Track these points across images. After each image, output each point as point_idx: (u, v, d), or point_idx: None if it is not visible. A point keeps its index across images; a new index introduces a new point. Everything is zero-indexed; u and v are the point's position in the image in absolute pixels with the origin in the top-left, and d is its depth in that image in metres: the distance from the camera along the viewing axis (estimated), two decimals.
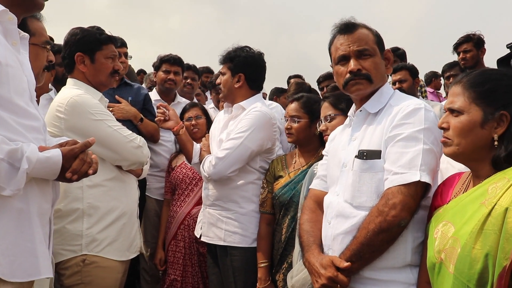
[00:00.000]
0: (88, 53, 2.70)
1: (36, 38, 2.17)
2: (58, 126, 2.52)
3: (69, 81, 2.76)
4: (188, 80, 4.80)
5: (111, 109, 3.46)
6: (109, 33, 2.85)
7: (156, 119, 3.13)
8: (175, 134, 3.11)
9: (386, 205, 1.80)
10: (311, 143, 2.87)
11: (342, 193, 2.00)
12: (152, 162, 3.91)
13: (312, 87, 4.83)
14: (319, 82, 5.16)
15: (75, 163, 1.77)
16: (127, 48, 4.16)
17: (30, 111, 1.75)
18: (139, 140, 2.70)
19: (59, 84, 3.83)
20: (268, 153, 3.00)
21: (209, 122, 3.71)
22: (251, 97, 3.01)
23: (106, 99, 2.84)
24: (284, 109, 3.65)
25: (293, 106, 2.90)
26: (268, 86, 6.64)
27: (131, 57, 4.26)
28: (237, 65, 2.97)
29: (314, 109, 2.83)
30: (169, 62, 4.21)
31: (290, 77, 6.96)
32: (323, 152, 2.37)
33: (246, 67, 2.97)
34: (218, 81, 3.11)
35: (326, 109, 2.65)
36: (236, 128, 2.89)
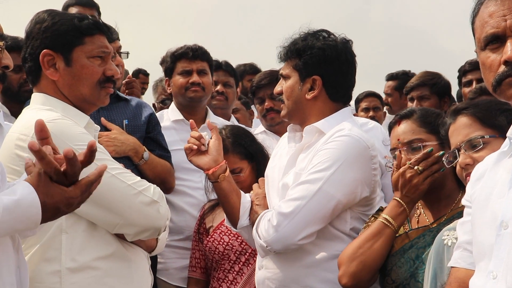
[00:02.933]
0: (61, 50, 2.73)
1: None
2: (18, 171, 2.51)
3: (35, 97, 2.79)
4: (219, 87, 4.86)
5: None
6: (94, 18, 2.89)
7: (185, 147, 3.13)
8: (211, 180, 3.12)
9: None
10: (444, 185, 2.84)
11: (503, 275, 1.94)
12: (172, 225, 3.92)
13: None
14: (464, 72, 4.98)
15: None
16: (119, 40, 4.24)
17: None
18: (153, 191, 2.71)
19: (13, 101, 3.92)
20: (365, 207, 3.01)
21: (260, 159, 3.73)
22: (333, 114, 3.04)
23: (96, 125, 2.85)
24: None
25: (404, 127, 2.90)
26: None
27: (127, 54, 4.32)
28: (308, 62, 3.02)
29: (440, 124, 2.82)
30: (186, 56, 4.27)
31: (386, 77, 6.92)
32: (464, 202, 2.29)
33: (324, 65, 3.02)
34: (277, 89, 3.14)
35: (467, 128, 2.60)
36: (311, 164, 2.91)
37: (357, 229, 2.98)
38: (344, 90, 3.09)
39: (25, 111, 2.77)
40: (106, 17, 5.67)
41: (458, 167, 2.62)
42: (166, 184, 3.89)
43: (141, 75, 8.67)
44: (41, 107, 2.72)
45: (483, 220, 2.07)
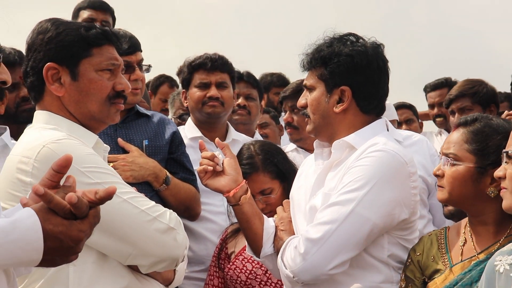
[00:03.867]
0: (66, 63, 2.76)
1: None
2: (20, 197, 2.50)
3: (38, 115, 2.82)
4: (240, 100, 4.89)
5: (112, 164, 3.53)
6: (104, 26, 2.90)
7: (198, 170, 3.12)
8: (231, 204, 3.12)
9: None
10: (486, 207, 2.82)
11: None
12: (191, 254, 3.97)
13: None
14: None
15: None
16: (141, 52, 4.17)
17: None
18: (169, 217, 2.71)
19: (10, 122, 3.89)
20: (404, 230, 2.97)
21: (292, 180, 3.68)
22: (364, 127, 3.02)
23: (106, 145, 2.87)
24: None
25: (454, 135, 2.90)
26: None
27: (149, 67, 4.32)
28: (335, 71, 3.00)
29: (491, 146, 2.79)
30: (205, 67, 4.29)
31: (428, 88, 6.85)
32: None
33: (354, 74, 3.00)
34: (301, 102, 3.12)
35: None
36: (342, 183, 2.89)
37: (396, 256, 2.96)
38: (376, 101, 3.06)
39: (27, 130, 2.81)
40: (120, 23, 5.73)
41: None
42: (191, 211, 3.92)
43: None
44: (44, 126, 2.74)
45: None
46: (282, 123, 5.78)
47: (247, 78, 4.99)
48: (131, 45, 3.92)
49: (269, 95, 6.46)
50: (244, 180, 3.14)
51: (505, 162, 2.59)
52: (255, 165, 3.70)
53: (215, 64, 4.27)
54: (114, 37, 2.87)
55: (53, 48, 2.75)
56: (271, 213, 3.47)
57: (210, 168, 3.06)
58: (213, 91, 4.25)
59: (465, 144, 2.84)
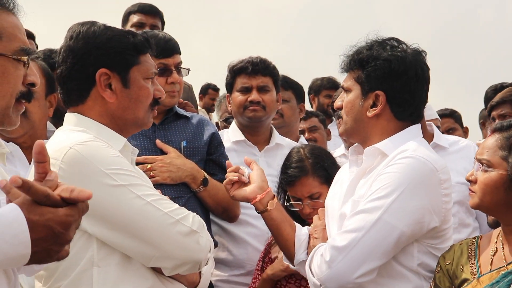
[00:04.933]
0: (117, 69, 2.79)
1: (2, 44, 2.16)
2: None
3: (69, 117, 2.86)
4: (284, 106, 4.85)
5: (149, 165, 3.58)
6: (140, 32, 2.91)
7: (224, 183, 3.17)
8: (258, 211, 3.13)
9: None
10: None
11: None
12: (232, 258, 3.99)
13: None
14: None
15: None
16: (180, 54, 4.21)
17: None
18: (193, 219, 2.72)
19: (60, 122, 3.99)
20: (435, 239, 2.93)
21: None
22: (398, 133, 3.00)
23: (134, 148, 2.89)
24: None
25: (489, 141, 2.86)
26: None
27: (188, 71, 4.36)
28: (371, 75, 2.99)
29: None
30: (246, 71, 4.30)
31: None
32: None
33: (389, 79, 2.98)
34: (338, 103, 3.11)
35: None
36: (370, 191, 2.87)
37: (426, 265, 2.92)
38: (412, 108, 3.02)
39: (57, 132, 2.84)
40: (170, 28, 5.77)
41: None
42: (229, 213, 3.92)
43: (210, 90, 8.73)
44: (73, 128, 2.77)
45: None
46: (332, 129, 5.76)
47: (291, 83, 5.00)
48: (169, 48, 3.92)
49: (319, 98, 6.48)
50: (270, 188, 3.15)
51: None
52: (305, 169, 3.68)
53: (256, 68, 4.26)
54: (150, 43, 2.91)
55: (106, 54, 2.78)
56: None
57: (235, 178, 3.12)
58: (254, 95, 4.24)
59: (499, 150, 2.79)
